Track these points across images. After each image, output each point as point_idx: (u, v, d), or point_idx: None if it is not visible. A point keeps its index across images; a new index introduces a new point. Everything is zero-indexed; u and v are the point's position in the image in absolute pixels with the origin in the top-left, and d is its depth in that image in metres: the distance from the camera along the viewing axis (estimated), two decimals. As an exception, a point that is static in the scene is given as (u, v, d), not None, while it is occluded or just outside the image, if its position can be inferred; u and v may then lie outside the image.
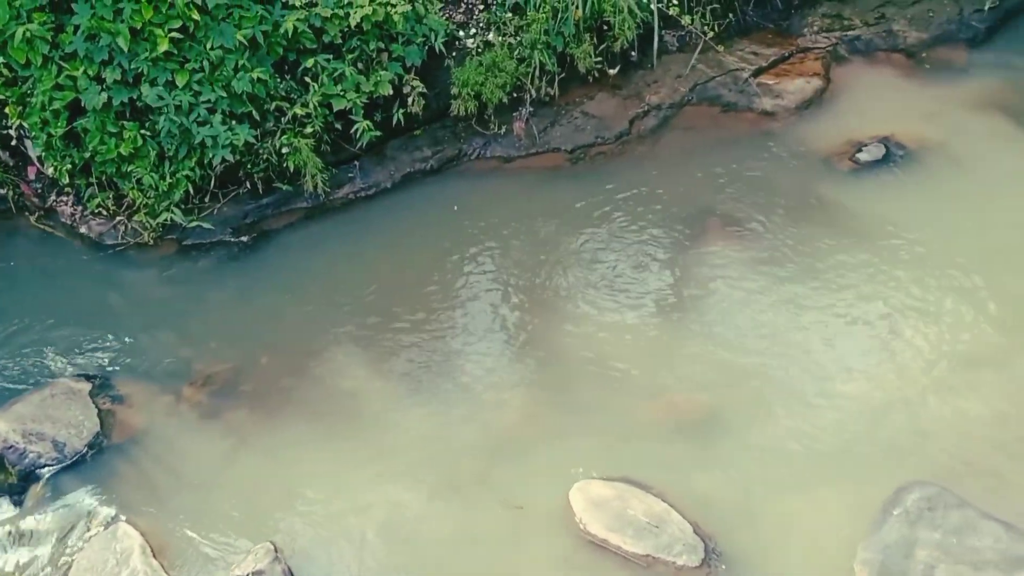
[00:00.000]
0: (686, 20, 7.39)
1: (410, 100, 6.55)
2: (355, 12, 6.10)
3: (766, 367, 5.46)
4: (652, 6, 7.18)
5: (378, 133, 6.51)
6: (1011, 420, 4.99)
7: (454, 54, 6.87)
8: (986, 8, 7.63)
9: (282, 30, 6.08)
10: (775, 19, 7.85)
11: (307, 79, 6.29)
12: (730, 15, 7.68)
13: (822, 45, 7.59)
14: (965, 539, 4.18)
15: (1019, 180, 6.35)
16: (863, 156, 6.64)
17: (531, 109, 7.02)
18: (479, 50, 6.87)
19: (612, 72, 7.32)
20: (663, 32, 7.42)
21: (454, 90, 6.72)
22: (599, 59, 7.11)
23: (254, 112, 6.18)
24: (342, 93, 6.25)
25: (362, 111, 6.35)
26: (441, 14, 6.83)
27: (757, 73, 7.37)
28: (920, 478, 4.59)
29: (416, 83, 6.53)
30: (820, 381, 5.33)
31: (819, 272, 5.94)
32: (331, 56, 6.29)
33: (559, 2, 6.85)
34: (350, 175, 6.66)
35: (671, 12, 7.36)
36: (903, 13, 7.72)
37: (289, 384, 5.73)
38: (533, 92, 6.99)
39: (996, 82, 7.22)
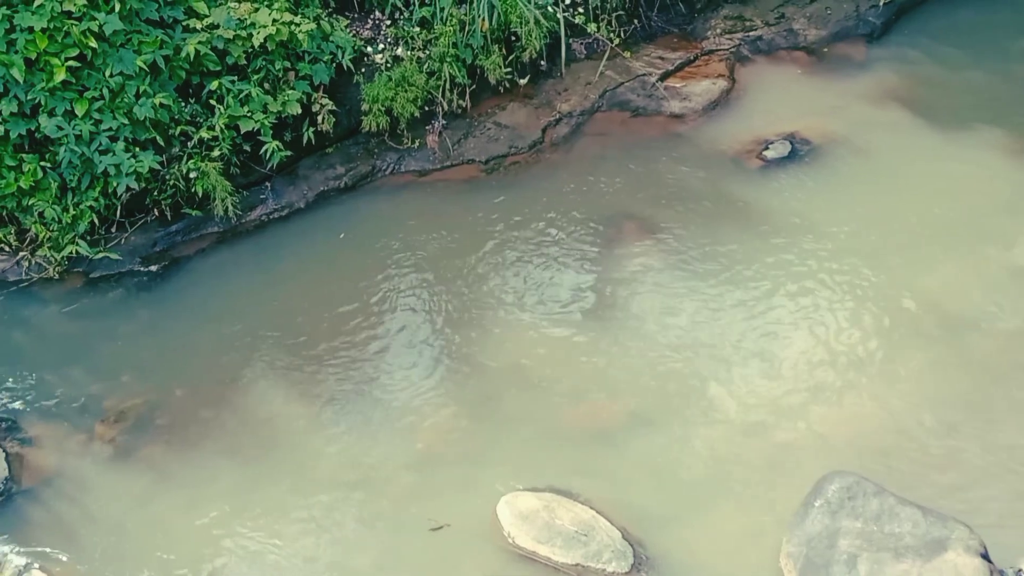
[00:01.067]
0: (592, 28, 7.40)
1: (320, 118, 6.41)
2: (258, 32, 5.94)
3: (685, 367, 5.48)
4: (558, 15, 7.18)
5: (289, 153, 6.35)
6: (923, 407, 5.10)
7: (363, 70, 6.75)
8: (881, 4, 7.84)
9: (184, 54, 5.89)
10: (679, 23, 7.93)
11: (212, 102, 6.10)
12: (635, 21, 7.73)
13: (726, 47, 7.70)
14: (885, 526, 4.23)
15: (918, 169, 6.54)
16: (770, 153, 6.75)
17: (444, 122, 6.94)
18: (388, 65, 6.76)
19: (523, 82, 7.29)
20: (570, 40, 7.42)
21: (365, 106, 6.60)
22: (509, 70, 7.08)
23: (158, 138, 5.97)
24: (249, 114, 6.07)
25: (271, 131, 6.18)
26: (348, 31, 6.70)
27: (664, 77, 7.44)
28: (840, 468, 4.63)
29: (325, 101, 6.39)
30: (738, 379, 5.37)
31: (734, 270, 6.00)
32: (236, 77, 6.12)
33: (466, 15, 6.80)
34: (262, 197, 6.48)
35: (577, 21, 7.36)
36: (802, 12, 7.89)
37: (207, 415, 5.52)
38: (445, 105, 6.92)
39: (893, 75, 7.43)
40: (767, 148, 6.79)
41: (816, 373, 5.32)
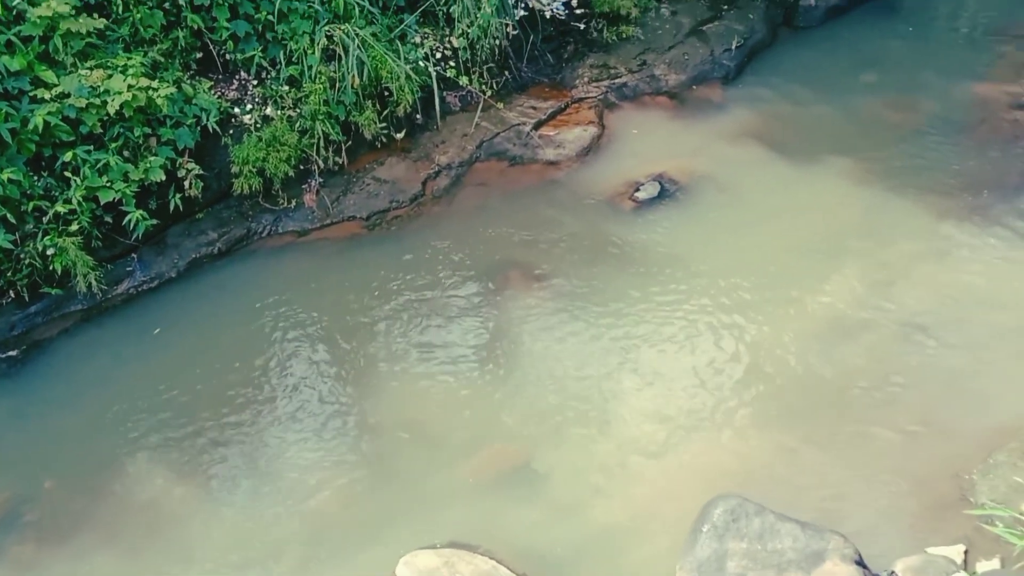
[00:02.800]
0: (464, 81, 7.56)
1: (187, 183, 6.23)
2: (113, 100, 5.73)
3: (576, 406, 5.55)
4: (430, 70, 7.30)
5: (155, 221, 6.13)
6: (794, 429, 5.33)
7: (231, 131, 6.62)
8: (733, 48, 8.38)
9: (32, 125, 5.61)
10: (548, 73, 8.20)
11: (68, 174, 5.82)
12: (506, 73, 7.95)
13: (594, 94, 8.01)
14: (768, 543, 4.38)
15: (776, 200, 6.93)
16: (641, 195, 7.02)
17: (321, 180, 6.89)
18: (258, 125, 6.67)
19: (399, 136, 7.34)
20: (444, 94, 7.55)
21: (235, 168, 6.47)
22: (384, 124, 7.12)
23: (9, 215, 5.63)
24: (108, 184, 5.83)
25: (134, 201, 5.95)
26: (212, 92, 6.57)
27: (538, 126, 7.65)
28: (724, 492, 4.77)
29: (191, 165, 6.22)
30: (626, 415, 5.48)
31: (615, 309, 6.16)
32: (92, 147, 5.87)
33: (335, 72, 6.81)
34: (128, 269, 6.20)
35: (449, 74, 7.50)
36: (662, 58, 8.32)
37: (81, 506, 5.17)
38: (320, 163, 6.87)
39: (749, 114, 7.90)
40: (638, 190, 7.06)
41: (696, 404, 5.49)
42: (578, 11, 8.56)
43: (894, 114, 7.80)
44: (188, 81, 6.38)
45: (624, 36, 8.39)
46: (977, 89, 8.08)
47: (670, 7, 8.70)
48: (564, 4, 8.58)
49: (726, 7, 8.74)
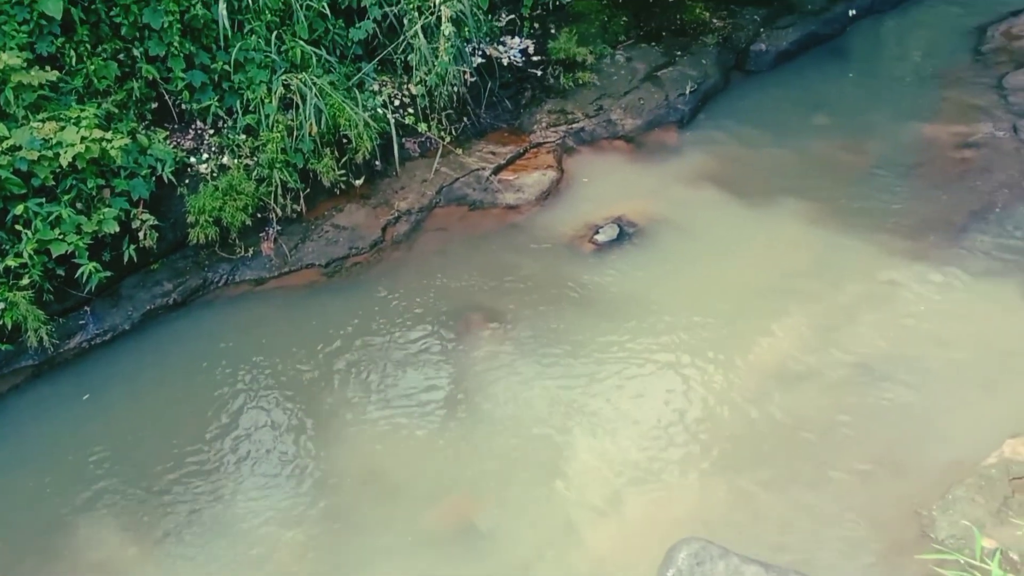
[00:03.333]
0: (423, 128, 7.66)
1: (142, 234, 6.20)
2: (66, 152, 5.72)
3: (539, 453, 5.56)
4: (388, 117, 7.39)
5: (109, 273, 6.07)
6: (757, 472, 5.40)
7: (187, 181, 6.63)
8: (687, 92, 8.61)
9: (-19, 178, 5.57)
10: (507, 119, 8.34)
11: (19, 227, 5.76)
12: (465, 119, 8.07)
13: (552, 139, 8.16)
14: (733, 587, 4.41)
15: (732, 242, 7.08)
16: (600, 237, 7.13)
17: (279, 227, 6.89)
18: (214, 175, 6.68)
19: (358, 183, 7.39)
20: (403, 140, 7.64)
21: (191, 218, 6.46)
22: (343, 171, 7.17)
23: (-44, 269, 5.56)
24: (61, 237, 5.78)
25: (87, 252, 5.90)
26: (168, 142, 6.58)
27: (497, 170, 7.76)
28: (688, 536, 4.79)
29: (146, 216, 6.20)
30: (590, 460, 5.50)
31: (577, 352, 6.21)
32: (44, 199, 5.83)
33: (293, 120, 6.87)
34: (81, 322, 6.12)
35: (408, 121, 7.60)
36: (618, 103, 8.51)
37: (29, 567, 5.03)
38: (278, 211, 6.88)
39: (704, 157, 8.10)
40: (597, 232, 7.17)
41: (656, 450, 5.53)
42: (535, 58, 8.78)
43: (845, 155, 8.05)
44: (143, 131, 6.40)
45: (581, 82, 8.59)
46: (924, 130, 8.38)
47: (625, 53, 8.94)
48: (521, 52, 8.80)
49: (679, 53, 9.00)
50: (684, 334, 6.26)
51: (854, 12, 10.01)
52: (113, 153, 5.87)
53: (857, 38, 9.86)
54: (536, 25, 9.09)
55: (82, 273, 5.92)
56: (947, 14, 10.40)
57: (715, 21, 9.41)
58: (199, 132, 6.87)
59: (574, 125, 8.31)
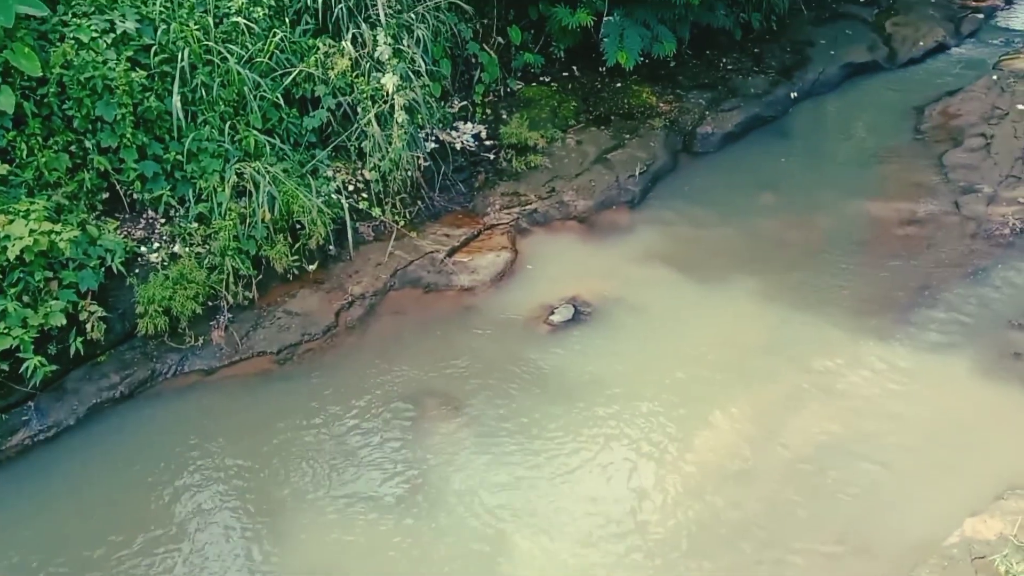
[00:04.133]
0: (377, 212, 7.91)
1: (89, 326, 6.26)
2: (13, 245, 5.82)
3: (500, 543, 5.62)
4: (342, 202, 7.63)
5: (54, 367, 6.11)
6: (717, 555, 5.53)
7: (137, 271, 6.74)
8: (637, 174, 9.02)
9: (-75, 272, 5.64)
10: (461, 202, 8.65)
11: (-39, 321, 5.82)
12: (419, 202, 8.35)
13: (506, 221, 8.47)
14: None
15: (686, 321, 7.36)
16: (555, 318, 7.37)
17: (230, 315, 7.00)
18: (165, 264, 6.81)
19: (312, 268, 7.56)
20: (357, 224, 7.87)
21: (140, 308, 6.54)
22: (296, 257, 7.34)
23: None
24: (6, 331, 5.82)
25: (32, 347, 5.94)
26: (118, 232, 6.72)
27: (452, 253, 8.01)
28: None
29: (94, 308, 6.28)
30: (552, 548, 5.57)
31: (534, 436, 6.35)
32: (-11, 292, 5.91)
33: (246, 207, 7.06)
34: (24, 418, 6.10)
35: (362, 206, 7.85)
36: (570, 185, 8.88)
37: None
38: (230, 298, 7.00)
39: (655, 237, 8.46)
40: (553, 313, 7.41)
41: (616, 541, 5.62)
42: (488, 142, 9.17)
43: (793, 233, 8.46)
44: (93, 222, 6.53)
45: (533, 165, 8.97)
46: (869, 207, 8.87)
47: (575, 137, 9.38)
48: (474, 136, 9.19)
49: (628, 136, 9.47)
50: (640, 419, 6.44)
51: (795, 95, 10.67)
52: (62, 245, 5.98)
53: (800, 119, 10.49)
54: (488, 111, 9.52)
55: (27, 368, 5.95)
56: (885, 95, 11.11)
57: (662, 105, 9.94)
58: (150, 221, 7.02)
59: (527, 207, 8.63)
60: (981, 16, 13.77)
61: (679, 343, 7.16)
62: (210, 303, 6.93)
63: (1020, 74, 11.18)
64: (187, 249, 6.92)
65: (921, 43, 12.28)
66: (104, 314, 6.35)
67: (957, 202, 8.76)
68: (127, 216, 7.00)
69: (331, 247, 7.69)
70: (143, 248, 6.85)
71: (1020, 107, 10.29)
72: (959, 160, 9.47)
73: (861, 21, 12.56)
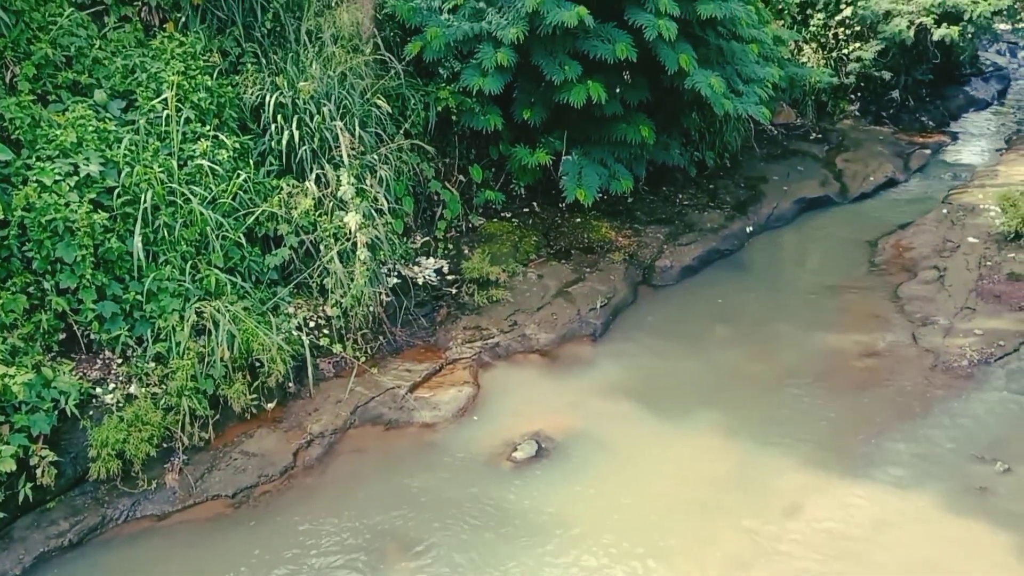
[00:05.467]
0: (337, 348, 8.26)
1: (39, 472, 6.40)
2: (-33, 389, 6.04)
3: None
4: (303, 339, 7.97)
5: (1, 515, 6.19)
6: None
7: (91, 413, 6.94)
8: (598, 307, 9.53)
9: None
10: (423, 336, 9.05)
11: (-94, 467, 5.93)
12: (380, 337, 8.73)
13: (468, 355, 8.85)
14: None
15: (651, 456, 7.67)
16: (518, 455, 7.64)
17: (184, 457, 7.17)
18: (120, 405, 7.02)
19: (270, 406, 7.81)
20: (317, 361, 8.19)
21: (92, 451, 6.70)
22: (255, 396, 7.59)
23: None
24: (-48, 479, 5.96)
25: (-22, 494, 6.06)
26: (74, 373, 6.95)
27: (413, 388, 8.32)
28: None
29: (46, 452, 6.44)
30: None
31: (498, 578, 6.50)
32: (-63, 438, 6.06)
33: (204, 346, 7.36)
34: (-35, 570, 6.15)
35: (322, 343, 8.20)
36: (532, 318, 9.35)
37: None
38: (185, 439, 7.18)
39: (618, 370, 8.88)
40: (516, 449, 7.68)
41: None
42: (449, 277, 9.68)
43: (754, 366, 8.93)
44: (49, 364, 6.77)
45: (494, 299, 9.46)
46: (828, 339, 9.42)
47: (536, 271, 9.95)
48: (436, 271, 9.70)
49: (588, 269, 10.06)
50: (606, 560, 6.62)
51: (751, 229, 11.45)
52: (16, 389, 6.20)
53: (757, 253, 11.22)
54: (450, 246, 10.09)
55: (-28, 516, 6.04)
56: (839, 229, 11.96)
57: (621, 239, 10.61)
58: (107, 362, 7.27)
59: (489, 341, 9.04)
60: (928, 152, 14.99)
61: (643, 481, 7.42)
62: (165, 445, 7.10)
63: (969, 207, 12.14)
64: (143, 389, 7.15)
65: (871, 178, 13.32)
66: (55, 458, 6.49)
67: (914, 334, 9.33)
68: (83, 356, 7.25)
69: (291, 384, 7.97)
70: (98, 389, 7.07)
71: (971, 240, 11.14)
72: (914, 292, 10.15)
73: (812, 157, 13.64)
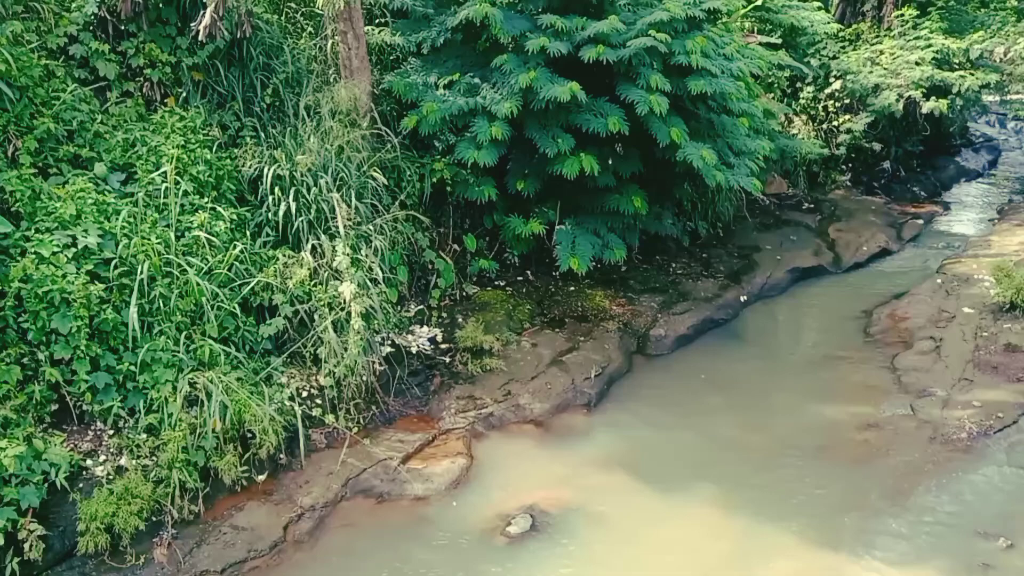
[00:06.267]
0: (330, 419, 8.32)
1: (27, 546, 6.39)
2: (-43, 460, 6.08)
3: None
4: (295, 409, 8.03)
5: (-15, 592, 6.19)
6: None
7: (81, 485, 6.96)
8: (592, 376, 9.63)
9: None
10: (416, 406, 9.12)
11: None
12: (373, 407, 8.79)
13: (461, 425, 8.91)
14: None
15: (647, 532, 7.67)
16: (513, 529, 7.64)
17: (174, 531, 7.16)
18: (110, 477, 7.05)
19: (261, 478, 7.83)
20: (309, 431, 8.24)
21: (81, 525, 6.71)
22: (245, 468, 7.62)
23: None
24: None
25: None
26: (65, 445, 7.00)
27: (405, 460, 8.35)
28: None
29: (34, 526, 6.44)
30: None
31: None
32: (-75, 510, 6.07)
33: (196, 417, 7.42)
34: (-54, 648, 6.10)
35: (315, 413, 8.26)
36: (526, 388, 9.44)
37: None
38: (175, 513, 7.19)
39: (613, 441, 8.93)
40: (510, 524, 7.69)
41: None
42: (443, 346, 9.79)
43: (752, 437, 8.99)
44: (40, 435, 6.82)
45: (488, 368, 9.56)
46: (824, 411, 9.49)
47: (530, 340, 10.07)
48: (430, 340, 9.82)
49: (583, 338, 10.19)
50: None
51: (745, 298, 11.63)
52: (6, 462, 6.25)
53: (752, 322, 11.38)
54: (444, 315, 10.23)
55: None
56: (833, 298, 12.16)
57: (615, 308, 10.78)
58: (98, 433, 7.32)
59: (483, 411, 9.11)
60: (921, 222, 15.32)
61: (640, 559, 7.40)
62: (154, 518, 7.10)
63: (963, 277, 12.36)
64: (134, 461, 7.19)
65: (864, 248, 13.58)
66: (44, 532, 6.49)
67: (912, 406, 9.39)
68: (75, 428, 7.31)
69: (282, 455, 7.99)
70: (89, 461, 7.11)
71: (967, 310, 11.30)
72: (911, 363, 10.25)
73: (805, 227, 13.93)
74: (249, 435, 7.74)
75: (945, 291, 12.02)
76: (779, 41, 14.77)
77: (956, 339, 10.65)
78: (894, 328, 11.28)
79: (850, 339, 11.11)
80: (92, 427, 7.38)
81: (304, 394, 8.48)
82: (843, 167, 16.47)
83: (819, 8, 15.80)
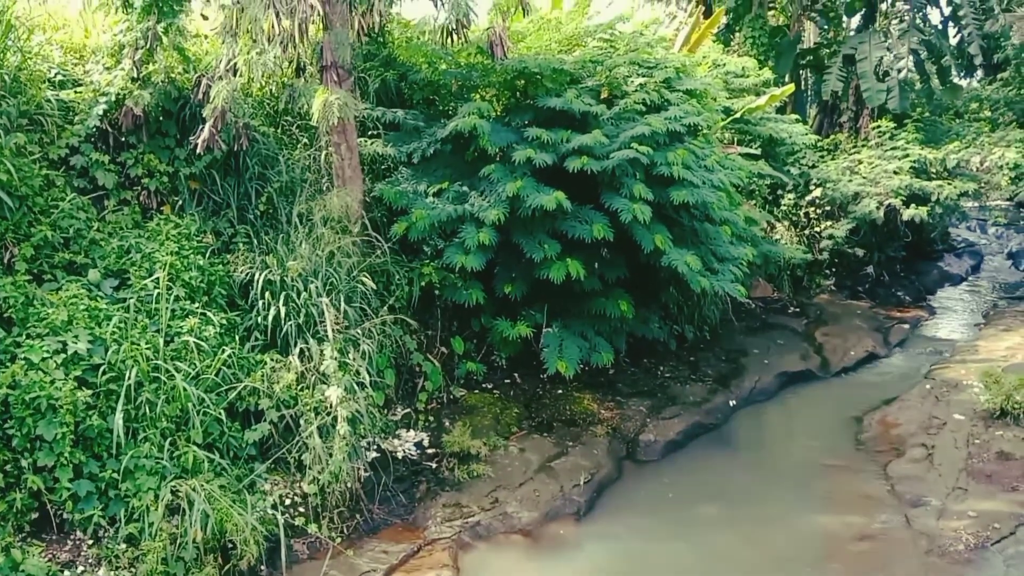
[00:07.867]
0: (313, 529, 8.25)
1: (-3, 662, 6.28)
2: (-68, 571, 6.02)
3: None
4: (278, 518, 7.97)
5: None
6: None
7: (56, 598, 6.86)
8: (581, 483, 9.60)
9: None
10: (401, 514, 9.04)
11: None
12: (357, 515, 8.72)
13: (447, 534, 8.81)
14: None
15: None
16: (500, 643, 7.51)
17: (149, 646, 7.02)
18: (87, 589, 6.96)
19: (241, 590, 7.72)
20: (292, 541, 8.15)
21: (54, 640, 6.60)
22: (225, 583, 7.52)
23: None
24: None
25: None
26: (43, 555, 6.92)
27: (389, 572, 8.22)
28: None
29: (6, 641, 6.34)
30: None
31: None
32: None
33: (177, 527, 7.36)
34: None
35: (298, 522, 8.20)
36: (514, 495, 9.39)
37: None
38: (151, 627, 7.07)
39: (603, 552, 8.82)
40: (497, 639, 7.56)
41: None
42: (430, 451, 9.79)
43: (746, 550, 8.85)
44: (18, 545, 6.75)
45: (475, 474, 9.53)
46: (819, 521, 9.40)
47: (518, 444, 10.08)
48: (416, 444, 9.83)
49: (571, 443, 10.20)
50: None
51: (734, 402, 11.71)
52: (-16, 571, 6.19)
53: (741, 427, 11.42)
54: (431, 418, 10.27)
55: None
56: (823, 404, 12.24)
57: (603, 412, 10.83)
58: (77, 543, 7.24)
59: (470, 519, 9.03)
60: (907, 326, 15.55)
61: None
62: (129, 629, 6.98)
63: (952, 383, 12.45)
64: (112, 573, 7.10)
65: (852, 352, 13.74)
66: (16, 644, 6.39)
67: (907, 516, 9.29)
68: (54, 537, 7.23)
69: (263, 567, 7.89)
70: (66, 573, 7.01)
71: (957, 416, 11.34)
72: (904, 471, 10.21)
73: (791, 331, 14.13)
74: (230, 545, 7.66)
75: (935, 397, 12.10)
76: (758, 152, 15.31)
77: (948, 447, 10.64)
78: (885, 435, 11.30)
79: (841, 446, 11.11)
80: (71, 536, 7.30)
81: (287, 502, 8.42)
82: (827, 271, 16.82)
83: (797, 120, 16.42)
